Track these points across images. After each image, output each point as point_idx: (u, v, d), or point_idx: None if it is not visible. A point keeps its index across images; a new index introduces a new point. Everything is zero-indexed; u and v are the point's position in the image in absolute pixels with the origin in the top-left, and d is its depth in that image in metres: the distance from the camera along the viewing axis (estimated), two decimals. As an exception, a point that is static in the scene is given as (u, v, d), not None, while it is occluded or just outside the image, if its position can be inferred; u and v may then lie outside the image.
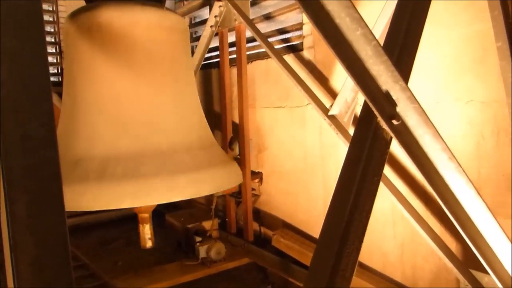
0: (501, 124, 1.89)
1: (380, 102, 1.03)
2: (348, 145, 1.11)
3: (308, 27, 2.89)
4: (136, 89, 1.88)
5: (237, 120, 3.43)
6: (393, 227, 2.44)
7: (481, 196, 1.14)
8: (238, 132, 3.38)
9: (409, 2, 1.15)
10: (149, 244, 1.89)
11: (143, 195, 1.68)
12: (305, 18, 2.91)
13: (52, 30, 4.62)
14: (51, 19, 4.58)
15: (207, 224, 3.27)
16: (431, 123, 1.07)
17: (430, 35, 2.07)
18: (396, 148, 1.08)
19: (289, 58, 2.96)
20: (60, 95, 2.01)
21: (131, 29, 1.84)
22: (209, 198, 3.23)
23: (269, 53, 2.58)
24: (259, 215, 3.50)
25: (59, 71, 4.57)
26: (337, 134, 2.28)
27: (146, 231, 1.88)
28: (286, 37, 3.16)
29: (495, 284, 1.26)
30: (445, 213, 1.16)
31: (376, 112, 1.04)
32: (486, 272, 1.25)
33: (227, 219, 3.64)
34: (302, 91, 2.44)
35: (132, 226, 3.74)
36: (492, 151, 1.94)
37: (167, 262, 3.04)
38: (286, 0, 3.07)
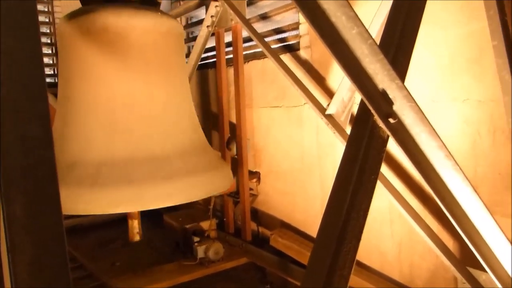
0: (497, 122, 1.89)
1: (376, 100, 1.03)
2: (345, 144, 1.11)
3: (305, 26, 2.89)
4: (131, 93, 1.89)
5: (234, 120, 3.43)
6: (390, 225, 2.45)
7: (478, 194, 1.15)
8: (236, 132, 3.39)
9: (405, 2, 1.16)
10: (136, 237, 2.02)
11: (136, 201, 1.73)
12: (301, 18, 2.91)
13: (48, 31, 4.61)
14: (47, 20, 4.56)
15: (205, 224, 3.27)
16: (428, 121, 1.07)
17: (427, 35, 2.08)
18: (393, 147, 1.08)
19: (286, 58, 2.97)
20: (56, 96, 2.01)
21: (126, 33, 1.85)
22: (207, 198, 3.23)
23: (266, 52, 2.58)
24: (257, 215, 3.51)
25: (55, 72, 4.56)
26: (334, 133, 2.28)
27: (135, 226, 2.01)
28: (283, 36, 3.16)
29: (492, 281, 1.27)
30: (442, 211, 1.16)
31: (372, 111, 1.04)
32: (484, 270, 1.26)
33: (225, 219, 3.64)
34: (299, 91, 2.44)
35: (130, 227, 3.75)
36: (488, 150, 1.95)
37: (165, 262, 3.04)
38: (282, 0, 3.07)
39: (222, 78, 3.49)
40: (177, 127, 1.98)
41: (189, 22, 4.41)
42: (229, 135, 3.55)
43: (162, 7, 2.36)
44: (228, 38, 3.43)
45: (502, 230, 1.21)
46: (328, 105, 2.33)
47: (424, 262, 2.29)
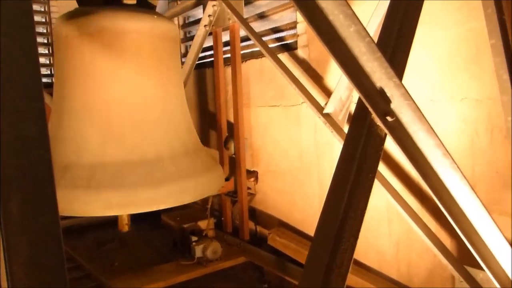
0: (495, 121, 1.89)
1: (374, 99, 1.03)
2: (343, 143, 1.11)
3: (302, 25, 2.89)
4: (126, 96, 1.91)
5: (232, 120, 3.42)
6: (388, 224, 2.45)
7: (475, 192, 1.15)
8: (233, 132, 3.38)
9: (402, 2, 1.16)
10: (125, 228, 2.15)
11: (128, 204, 1.79)
12: (299, 17, 2.91)
13: (45, 31, 4.59)
14: (43, 20, 4.55)
15: (203, 224, 3.26)
16: (425, 119, 1.07)
17: (425, 34, 2.08)
18: (391, 146, 1.08)
19: (284, 57, 2.96)
20: (52, 95, 2.01)
21: (122, 36, 1.86)
22: (204, 198, 3.22)
23: (264, 52, 2.58)
24: (255, 214, 3.50)
25: (52, 72, 4.55)
26: (331, 132, 2.28)
27: (124, 217, 2.13)
28: (280, 36, 3.16)
29: (490, 280, 1.27)
30: (440, 210, 1.16)
31: (370, 109, 1.04)
32: (481, 268, 1.26)
33: (222, 218, 3.64)
34: (297, 90, 2.44)
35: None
36: (486, 148, 1.95)
37: (163, 262, 3.04)
38: (280, -1, 3.07)
39: (219, 77, 3.49)
40: (170, 131, 2.01)
41: (186, 21, 4.40)
42: (227, 134, 3.54)
43: (159, 7, 2.36)
44: (225, 37, 3.43)
45: (500, 229, 1.21)
46: (325, 104, 2.33)
47: (421, 261, 2.29)
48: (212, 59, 3.65)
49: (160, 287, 2.76)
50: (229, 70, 3.40)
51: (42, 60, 4.53)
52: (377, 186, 2.01)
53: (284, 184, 3.21)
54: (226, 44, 3.43)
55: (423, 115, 1.07)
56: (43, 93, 0.74)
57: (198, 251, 2.96)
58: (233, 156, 3.41)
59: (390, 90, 1.03)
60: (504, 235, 1.22)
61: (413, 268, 2.34)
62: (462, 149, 2.01)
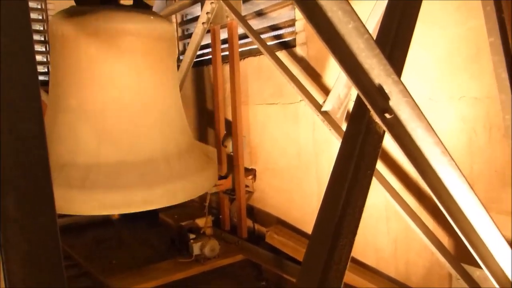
0: (493, 120, 1.89)
1: (372, 95, 1.03)
2: (341, 140, 1.10)
3: (301, 23, 2.88)
4: (121, 97, 1.92)
5: (230, 117, 3.42)
6: (386, 223, 2.45)
7: (473, 190, 1.15)
8: (231, 129, 3.38)
9: (400, 2, 1.15)
10: (116, 215, 2.42)
11: (122, 204, 1.85)
12: (297, 15, 2.91)
13: (42, 28, 4.58)
14: (40, 17, 4.54)
15: (200, 222, 3.26)
16: (424, 116, 1.07)
17: (425, 34, 2.07)
18: (389, 144, 1.08)
19: (282, 55, 2.96)
20: (48, 93, 2.01)
21: (118, 37, 1.87)
22: (202, 196, 3.22)
23: (262, 49, 2.58)
24: (253, 212, 3.50)
25: (49, 70, 4.54)
26: (330, 130, 2.28)
27: None
28: (279, 33, 3.15)
29: (486, 278, 1.27)
30: (437, 208, 1.16)
31: (369, 106, 1.04)
32: (478, 266, 1.26)
33: (220, 216, 3.63)
34: (295, 88, 2.43)
35: (125, 225, 3.75)
36: (484, 147, 1.95)
37: (161, 259, 3.03)
38: (278, -4, 3.07)
39: (217, 75, 3.48)
40: (165, 132, 2.04)
41: (184, 19, 4.39)
42: (225, 132, 3.54)
43: (157, 5, 2.35)
44: (223, 35, 3.42)
45: (498, 227, 1.21)
46: (324, 102, 2.33)
47: (419, 259, 2.29)
48: (210, 56, 3.64)
49: (158, 284, 2.75)
50: (227, 68, 3.40)
51: (39, 58, 4.52)
52: (375, 184, 2.01)
53: (282, 182, 3.21)
54: (224, 41, 3.43)
55: (421, 112, 1.06)
56: (40, 91, 0.74)
57: (196, 248, 2.96)
58: (231, 154, 3.40)
59: (389, 87, 1.03)
60: (502, 234, 1.22)
61: (411, 266, 2.35)
62: (461, 148, 2.01)
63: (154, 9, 2.10)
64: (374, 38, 1.11)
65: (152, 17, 1.95)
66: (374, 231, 2.51)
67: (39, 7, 4.54)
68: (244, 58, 3.39)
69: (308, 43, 2.84)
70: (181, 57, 4.25)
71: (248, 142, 3.49)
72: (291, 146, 3.09)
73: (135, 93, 1.94)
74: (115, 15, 1.86)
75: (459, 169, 1.12)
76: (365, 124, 1.06)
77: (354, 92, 1.08)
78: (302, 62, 2.88)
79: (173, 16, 4.26)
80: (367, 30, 0.98)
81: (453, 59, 2.02)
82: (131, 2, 1.91)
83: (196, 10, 4.04)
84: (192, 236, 3.06)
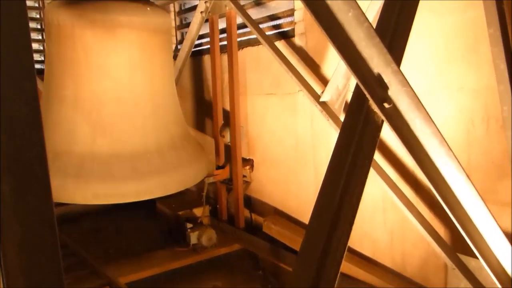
0: (491, 111, 1.89)
1: (371, 85, 1.03)
2: (339, 130, 1.10)
3: (300, 13, 2.87)
4: (116, 88, 1.92)
5: (228, 108, 3.41)
6: (383, 213, 2.46)
7: (470, 180, 1.15)
8: (229, 120, 3.37)
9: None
10: None
11: (115, 194, 1.88)
12: (296, 4, 2.89)
13: (38, 16, 4.54)
14: (36, 5, 4.49)
15: (198, 211, 3.27)
16: (423, 107, 1.06)
17: (422, 23, 2.06)
18: (387, 135, 1.08)
19: (281, 45, 2.94)
20: (43, 81, 2.01)
21: (114, 29, 1.86)
22: (200, 185, 3.22)
23: (260, 39, 2.56)
24: (250, 202, 3.51)
25: (44, 58, 4.50)
26: (328, 120, 2.28)
27: None
28: (278, 23, 3.13)
29: (482, 267, 1.28)
30: (434, 199, 1.16)
31: (367, 95, 1.03)
32: (473, 256, 1.27)
33: (218, 206, 3.64)
34: (294, 78, 2.43)
35: (123, 215, 3.74)
36: (482, 138, 1.95)
37: (158, 248, 3.05)
38: (277, -14, 3.04)
39: (216, 65, 3.46)
40: (159, 124, 2.05)
41: (182, 8, 4.35)
42: (223, 122, 3.53)
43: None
44: (222, 24, 3.39)
45: (494, 218, 1.21)
46: (322, 92, 2.32)
47: (416, 250, 2.30)
48: (208, 46, 3.62)
49: (155, 273, 2.77)
50: (225, 57, 3.38)
51: (34, 46, 4.48)
52: (372, 175, 2.01)
53: (280, 172, 3.22)
54: (223, 31, 3.40)
55: (420, 102, 1.06)
56: (35, 75, 0.73)
57: (193, 238, 2.97)
58: (229, 144, 3.40)
59: (388, 77, 1.03)
60: (498, 224, 1.22)
61: (408, 256, 2.36)
62: (458, 139, 2.02)
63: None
64: (374, 27, 1.11)
65: (148, 8, 1.94)
66: (371, 222, 2.52)
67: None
68: (242, 48, 3.38)
69: (307, 33, 2.82)
70: (179, 47, 4.22)
71: (246, 132, 3.48)
72: (289, 137, 3.09)
73: (130, 85, 1.94)
74: (112, 5, 1.85)
75: (456, 159, 1.12)
76: (364, 114, 1.06)
77: (353, 83, 1.07)
78: (300, 52, 2.87)
79: (171, 5, 4.23)
80: (367, 19, 0.98)
81: (451, 48, 2.01)
82: (129, -9, 1.90)
83: (194, -1, 4.02)
84: (189, 225, 3.07)
